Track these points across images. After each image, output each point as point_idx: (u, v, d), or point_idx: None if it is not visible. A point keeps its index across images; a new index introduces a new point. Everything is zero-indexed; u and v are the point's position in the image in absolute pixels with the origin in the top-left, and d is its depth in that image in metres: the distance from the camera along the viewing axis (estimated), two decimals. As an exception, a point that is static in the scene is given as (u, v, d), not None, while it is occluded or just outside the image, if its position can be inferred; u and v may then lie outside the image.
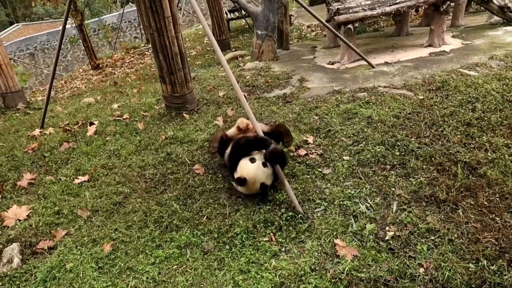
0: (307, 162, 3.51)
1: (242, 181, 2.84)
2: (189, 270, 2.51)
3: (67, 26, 5.88)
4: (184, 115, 4.78)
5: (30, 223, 3.12)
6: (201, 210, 3.07)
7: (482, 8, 8.11)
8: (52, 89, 5.90)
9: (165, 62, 4.59)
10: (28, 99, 8.38)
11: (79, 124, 5.13)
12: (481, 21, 7.81)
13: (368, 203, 2.90)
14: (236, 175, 2.87)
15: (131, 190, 3.45)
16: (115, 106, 5.86)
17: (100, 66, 12.52)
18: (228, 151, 3.08)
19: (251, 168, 2.83)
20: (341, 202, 2.94)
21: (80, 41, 12.80)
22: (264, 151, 2.90)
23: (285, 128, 3.26)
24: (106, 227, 3.03)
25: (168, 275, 2.50)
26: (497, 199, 2.73)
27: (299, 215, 2.83)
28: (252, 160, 2.90)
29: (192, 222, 2.95)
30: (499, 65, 4.89)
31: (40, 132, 5.13)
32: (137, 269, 2.58)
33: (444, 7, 6.04)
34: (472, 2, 8.11)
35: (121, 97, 6.68)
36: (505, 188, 2.80)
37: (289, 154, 3.63)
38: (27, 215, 3.25)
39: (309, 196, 3.07)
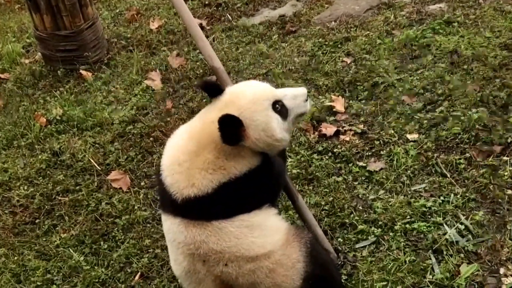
0: (335, 150, 3.50)
1: None
2: None
3: None
4: (83, 72, 4.75)
5: None
6: (129, 262, 3.06)
7: None
8: None
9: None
10: None
11: None
12: None
13: (462, 223, 2.90)
14: None
15: (-15, 232, 3.42)
16: None
17: None
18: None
19: None
20: (407, 226, 2.93)
21: None
22: None
23: None
24: None
25: None
26: None
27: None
28: None
29: (112, 287, 2.94)
30: None
31: None
32: None
33: None
34: None
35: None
36: None
37: (300, 139, 3.63)
38: None
39: (343, 217, 3.07)
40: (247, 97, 2.36)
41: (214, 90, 2.48)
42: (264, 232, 2.42)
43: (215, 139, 2.27)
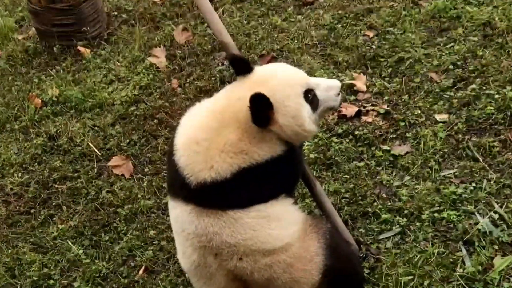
0: (356, 132, 3.41)
1: None
2: None
3: None
4: (81, 49, 4.73)
5: None
6: (132, 255, 3.00)
7: None
8: None
9: None
10: None
11: None
12: None
13: (496, 211, 2.81)
14: None
15: (-24, 224, 3.40)
16: None
17: None
18: None
19: None
20: (435, 215, 2.84)
21: None
22: None
23: None
24: None
25: None
26: None
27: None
28: None
29: (114, 282, 2.89)
30: None
31: None
32: None
33: None
34: None
35: None
36: None
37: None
38: None
39: (366, 205, 2.98)
40: (281, 79, 2.32)
41: (242, 66, 2.42)
42: (281, 224, 2.34)
43: (239, 118, 2.22)
